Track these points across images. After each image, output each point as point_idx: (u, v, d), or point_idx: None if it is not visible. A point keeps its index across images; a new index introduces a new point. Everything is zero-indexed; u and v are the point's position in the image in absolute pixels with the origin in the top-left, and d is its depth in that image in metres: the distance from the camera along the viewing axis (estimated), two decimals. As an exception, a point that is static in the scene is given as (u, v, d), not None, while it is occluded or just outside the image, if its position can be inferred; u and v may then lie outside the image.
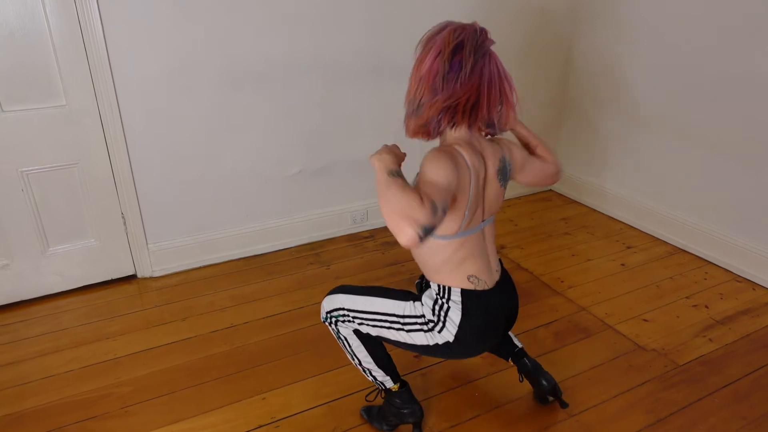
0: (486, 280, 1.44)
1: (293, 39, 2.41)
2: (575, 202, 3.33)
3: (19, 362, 1.99)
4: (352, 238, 2.89)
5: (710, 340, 2.10)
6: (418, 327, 1.45)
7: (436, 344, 1.44)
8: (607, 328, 2.17)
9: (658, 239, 2.87)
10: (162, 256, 2.53)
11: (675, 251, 2.75)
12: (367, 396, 1.78)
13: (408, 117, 1.35)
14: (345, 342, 1.59)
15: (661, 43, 2.66)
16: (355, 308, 1.52)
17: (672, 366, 1.96)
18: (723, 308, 2.30)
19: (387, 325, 1.49)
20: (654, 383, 1.88)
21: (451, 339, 1.41)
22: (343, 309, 1.53)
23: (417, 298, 1.50)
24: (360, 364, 1.61)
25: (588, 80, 3.10)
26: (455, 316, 1.40)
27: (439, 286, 1.43)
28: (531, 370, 1.74)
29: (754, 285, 2.46)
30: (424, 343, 1.45)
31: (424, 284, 1.73)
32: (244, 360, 2.00)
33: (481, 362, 1.97)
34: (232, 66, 2.35)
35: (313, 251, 2.76)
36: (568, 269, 2.59)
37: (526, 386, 1.85)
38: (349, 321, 1.54)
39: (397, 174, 1.20)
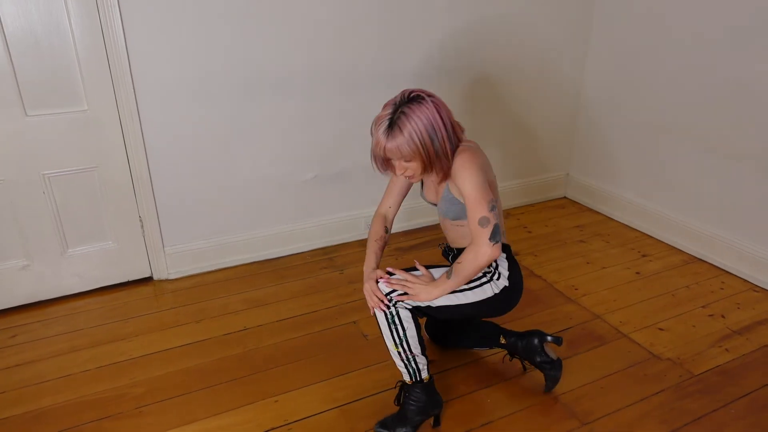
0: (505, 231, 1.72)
1: (311, 49, 2.44)
2: (590, 209, 3.31)
3: (37, 361, 2.03)
4: (366, 243, 2.89)
5: (727, 350, 2.08)
6: (486, 279, 1.62)
7: (495, 294, 1.62)
8: (621, 336, 2.15)
9: (674, 248, 2.84)
10: (178, 259, 2.56)
11: (691, 260, 2.72)
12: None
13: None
14: (398, 328, 1.60)
15: (677, 49, 2.64)
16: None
17: (687, 376, 1.94)
18: (740, 318, 2.27)
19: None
20: (669, 393, 1.86)
21: (507, 284, 1.63)
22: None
23: None
24: (409, 350, 1.62)
25: (602, 85, 3.09)
26: (503, 263, 1.65)
27: None
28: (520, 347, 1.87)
29: (772, 295, 2.43)
30: (490, 294, 1.62)
31: (447, 248, 1.84)
32: (257, 363, 2.01)
33: (493, 369, 1.97)
34: (250, 74, 2.38)
35: (327, 256, 2.78)
36: (583, 277, 2.58)
37: (539, 393, 1.85)
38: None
39: (449, 278, 1.54)
